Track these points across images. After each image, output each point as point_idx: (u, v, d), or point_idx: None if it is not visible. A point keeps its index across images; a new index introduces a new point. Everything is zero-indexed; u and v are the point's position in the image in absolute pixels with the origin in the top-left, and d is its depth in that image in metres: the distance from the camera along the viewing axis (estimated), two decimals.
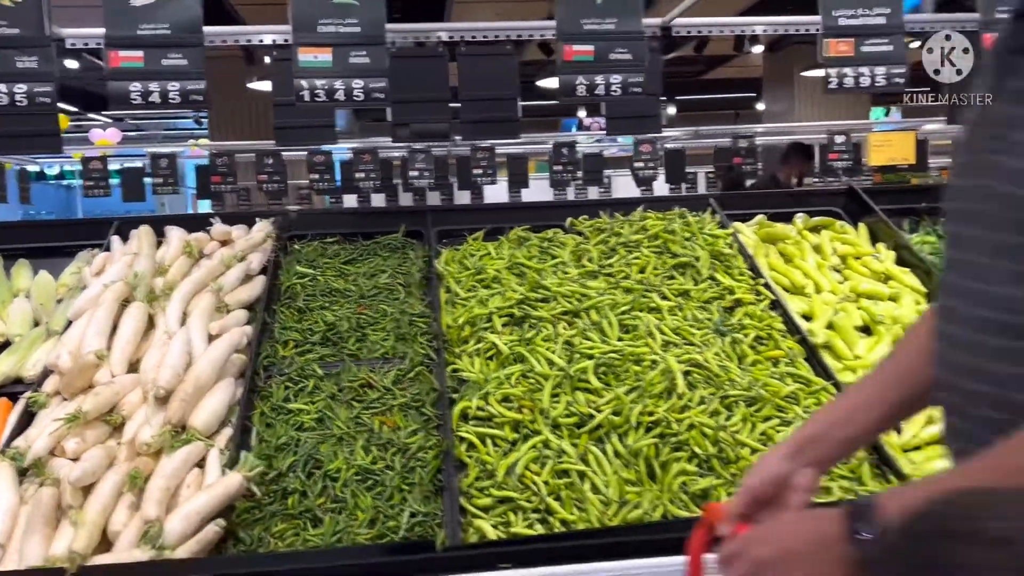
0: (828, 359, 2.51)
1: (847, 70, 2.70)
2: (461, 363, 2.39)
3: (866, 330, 2.67)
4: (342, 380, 2.35)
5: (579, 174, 11.45)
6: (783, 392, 2.25)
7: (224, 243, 2.75)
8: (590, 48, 2.61)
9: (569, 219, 3.17)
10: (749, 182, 8.25)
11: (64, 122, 11.89)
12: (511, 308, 2.53)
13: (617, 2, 2.61)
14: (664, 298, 2.66)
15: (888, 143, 12.11)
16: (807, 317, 2.72)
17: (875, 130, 12.24)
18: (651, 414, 2.15)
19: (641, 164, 11.75)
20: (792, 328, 2.57)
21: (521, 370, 2.30)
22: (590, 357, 2.32)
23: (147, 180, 9.54)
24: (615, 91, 2.64)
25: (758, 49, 11.84)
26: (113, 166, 9.77)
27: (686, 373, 2.30)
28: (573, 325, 2.50)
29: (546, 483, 1.99)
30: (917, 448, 2.21)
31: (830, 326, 2.64)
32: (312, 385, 2.34)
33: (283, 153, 10.53)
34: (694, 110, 18.56)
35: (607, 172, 13.69)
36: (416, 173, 11.30)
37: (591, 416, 2.13)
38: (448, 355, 2.45)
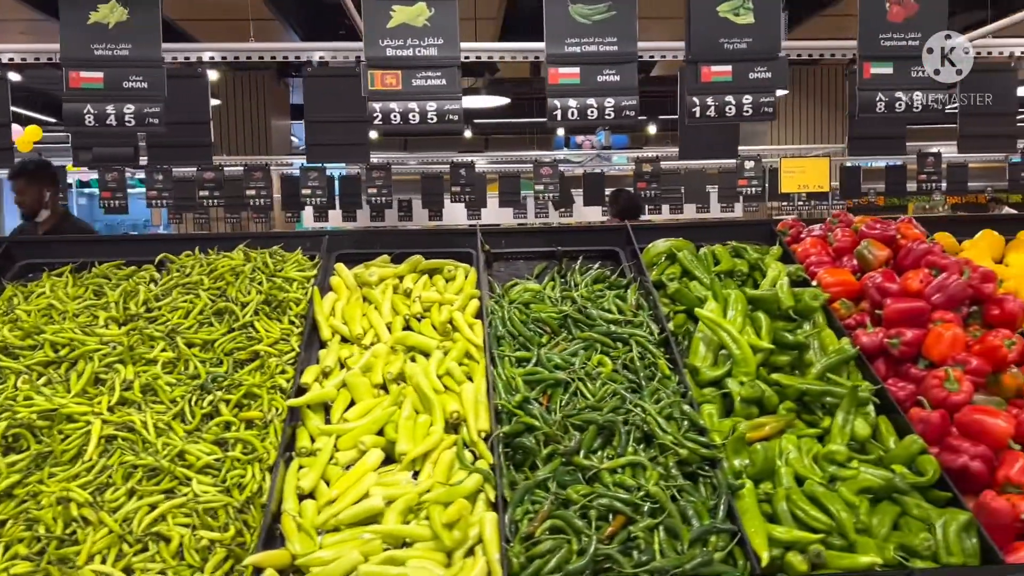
0: (317, 420, 2.31)
1: (394, 104, 2.51)
2: None
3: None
4: None
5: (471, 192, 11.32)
6: (200, 464, 2.05)
7: None
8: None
9: (162, 254, 2.98)
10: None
11: (38, 133, 11.70)
12: None
13: None
14: (175, 348, 2.45)
15: (800, 169, 11.94)
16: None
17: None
18: (41, 483, 1.95)
19: (542, 187, 11.62)
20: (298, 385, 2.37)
21: None
22: (17, 415, 2.12)
23: None
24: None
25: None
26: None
27: (111, 438, 2.10)
28: (43, 377, 2.31)
29: None
30: (336, 530, 1.99)
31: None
32: None
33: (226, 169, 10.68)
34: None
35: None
36: (375, 191, 11.36)
37: None
38: None
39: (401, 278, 2.91)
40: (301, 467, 2.16)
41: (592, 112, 2.52)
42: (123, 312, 2.63)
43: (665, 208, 13.38)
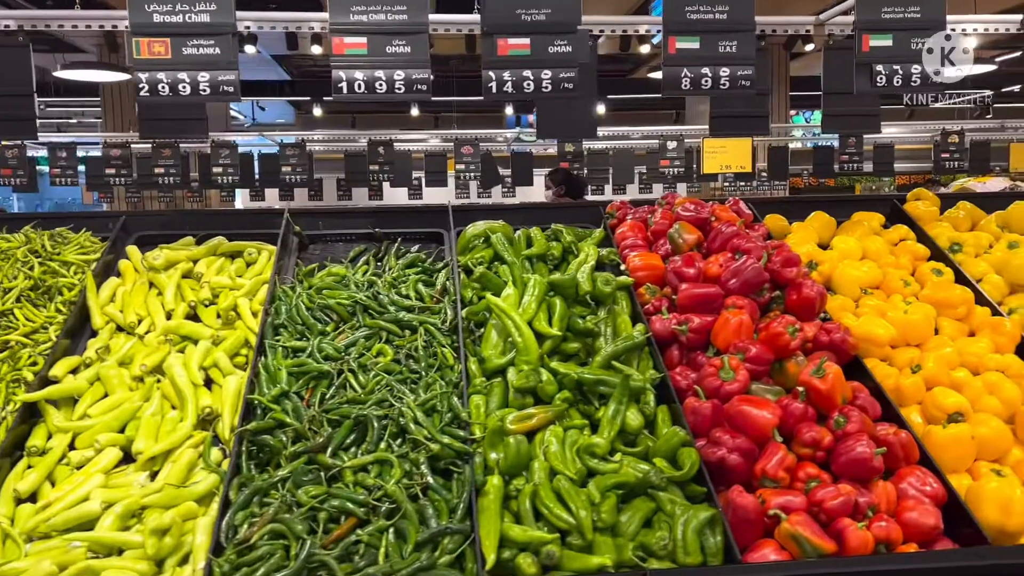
0: (59, 417, 2.13)
1: (161, 75, 2.32)
2: None
3: None
4: None
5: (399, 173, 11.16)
6: None
7: None
8: None
9: None
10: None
11: None
12: None
13: None
14: None
15: (722, 150, 11.88)
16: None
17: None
18: None
19: (463, 167, 11.44)
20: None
21: None
22: None
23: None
24: None
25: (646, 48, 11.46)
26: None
27: None
28: None
29: None
30: (49, 536, 1.83)
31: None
32: None
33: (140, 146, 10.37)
34: (628, 109, 17.63)
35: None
36: (289, 169, 11.13)
37: None
38: None
39: (196, 262, 2.74)
40: (30, 467, 1.99)
41: (381, 85, 2.37)
42: None
43: (608, 189, 13.34)
